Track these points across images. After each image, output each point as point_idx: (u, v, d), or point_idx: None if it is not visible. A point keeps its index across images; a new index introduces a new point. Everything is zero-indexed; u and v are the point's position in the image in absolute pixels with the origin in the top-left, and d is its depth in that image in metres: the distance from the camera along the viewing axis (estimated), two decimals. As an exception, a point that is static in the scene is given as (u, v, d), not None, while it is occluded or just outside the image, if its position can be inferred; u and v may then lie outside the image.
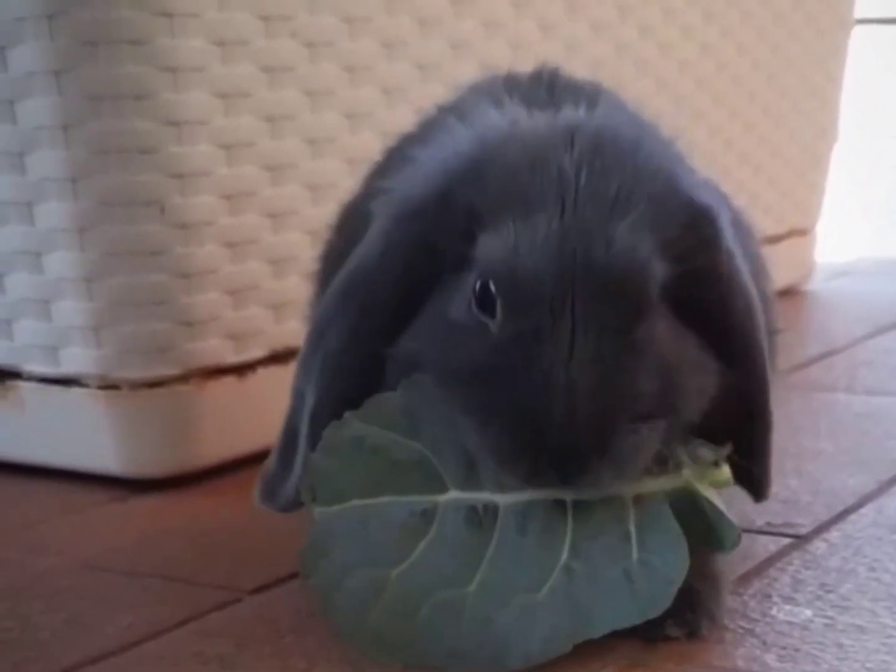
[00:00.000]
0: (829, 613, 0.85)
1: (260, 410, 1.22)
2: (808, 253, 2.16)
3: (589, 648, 0.77)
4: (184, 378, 1.21)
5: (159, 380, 1.20)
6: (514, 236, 0.79)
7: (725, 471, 0.82)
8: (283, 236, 1.26)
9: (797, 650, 0.80)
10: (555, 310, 0.77)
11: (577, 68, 1.01)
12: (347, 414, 0.81)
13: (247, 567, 0.98)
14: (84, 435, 1.22)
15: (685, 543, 0.78)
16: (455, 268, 0.82)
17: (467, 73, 1.35)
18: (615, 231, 0.78)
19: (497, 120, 0.87)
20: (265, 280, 1.25)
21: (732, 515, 0.81)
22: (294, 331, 1.16)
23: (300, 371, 0.88)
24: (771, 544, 0.98)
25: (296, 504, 0.87)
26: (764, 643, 0.81)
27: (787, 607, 0.86)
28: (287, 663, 0.81)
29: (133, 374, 1.19)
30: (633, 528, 0.79)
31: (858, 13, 2.21)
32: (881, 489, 1.11)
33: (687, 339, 0.82)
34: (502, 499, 0.79)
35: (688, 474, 0.80)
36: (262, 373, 1.26)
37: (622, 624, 0.77)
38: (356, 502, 0.80)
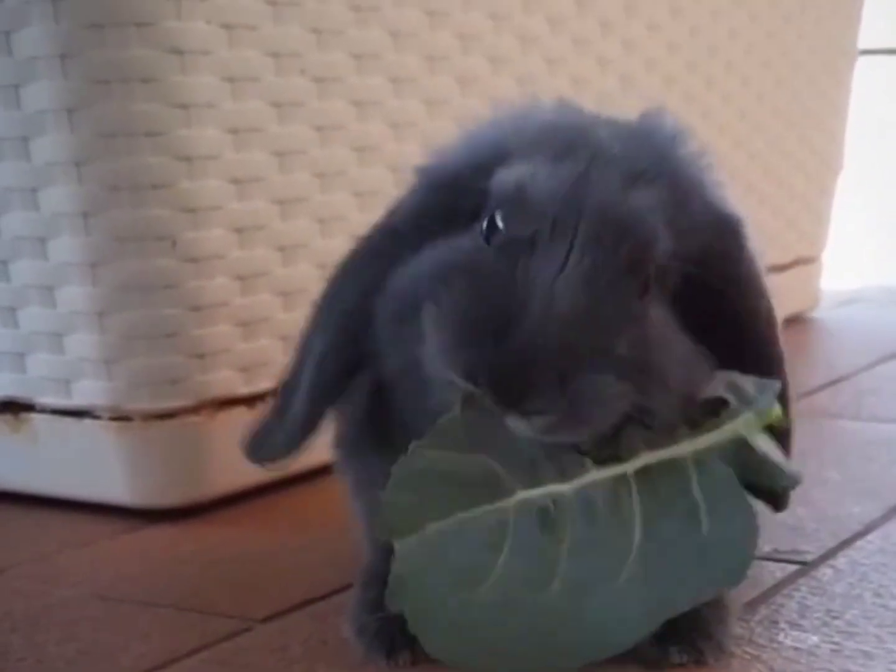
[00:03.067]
0: (836, 639, 0.85)
1: (270, 441, 1.22)
2: (814, 281, 2.17)
3: (596, 674, 0.78)
4: (195, 409, 1.22)
5: (171, 411, 1.21)
6: (533, 169, 0.79)
7: (776, 408, 0.81)
8: (293, 268, 1.27)
9: (804, 676, 0.80)
10: (556, 227, 0.76)
11: (584, 102, 1.02)
12: (413, 445, 0.80)
13: (258, 596, 0.99)
14: (96, 466, 1.23)
15: (753, 509, 0.79)
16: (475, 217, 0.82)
17: (475, 108, 1.38)
18: (635, 193, 0.79)
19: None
20: (275, 312, 1.26)
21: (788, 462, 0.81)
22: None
23: (311, 320, 0.89)
24: (778, 571, 0.98)
25: (284, 454, 0.87)
26: (771, 669, 0.81)
27: (794, 633, 0.86)
28: (298, 691, 0.82)
29: (145, 405, 1.20)
30: (699, 498, 0.78)
31: (862, 44, 2.22)
32: (887, 516, 1.11)
33: (681, 337, 0.81)
34: (567, 487, 0.78)
35: (740, 424, 0.79)
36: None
37: (702, 598, 0.78)
38: (431, 527, 0.78)
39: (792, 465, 0.82)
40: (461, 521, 0.78)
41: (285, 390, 0.89)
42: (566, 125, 0.84)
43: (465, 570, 0.78)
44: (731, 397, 0.80)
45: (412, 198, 0.87)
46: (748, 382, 0.82)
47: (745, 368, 0.84)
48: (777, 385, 0.82)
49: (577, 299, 0.75)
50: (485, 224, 0.80)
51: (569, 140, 0.81)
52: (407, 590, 0.79)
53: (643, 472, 0.79)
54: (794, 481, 0.81)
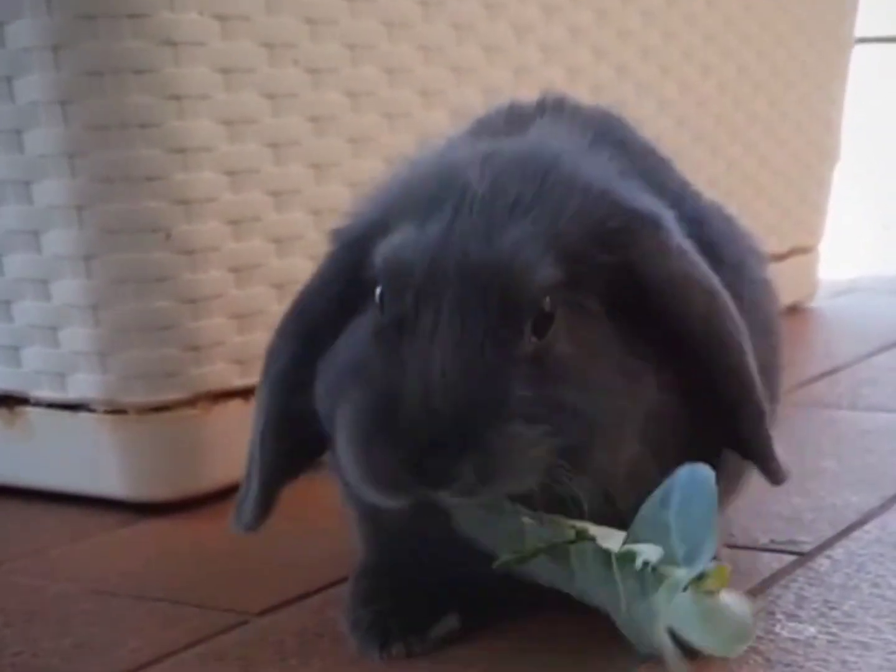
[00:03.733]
0: (833, 630, 0.85)
1: (266, 434, 1.22)
2: (811, 271, 2.16)
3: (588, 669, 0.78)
4: (190, 402, 1.21)
5: (166, 404, 1.20)
6: (402, 236, 0.79)
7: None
8: (287, 260, 1.27)
9: (801, 667, 0.80)
10: (421, 297, 0.76)
11: (579, 93, 1.02)
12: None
13: (253, 590, 0.99)
14: (91, 460, 1.23)
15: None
16: None
17: (470, 98, 1.37)
18: (502, 232, 0.77)
19: (439, 149, 0.88)
20: (270, 304, 1.26)
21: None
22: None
23: (256, 395, 0.90)
24: (774, 562, 0.98)
25: (252, 528, 0.89)
26: (768, 660, 0.81)
27: (791, 624, 0.86)
28: (294, 685, 0.82)
29: (140, 398, 1.20)
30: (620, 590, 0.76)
31: (859, 32, 2.22)
32: (884, 506, 1.11)
33: (605, 360, 0.78)
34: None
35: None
36: (268, 396, 1.27)
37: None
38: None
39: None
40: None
41: (249, 460, 0.91)
42: (434, 175, 0.82)
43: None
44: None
45: (329, 264, 0.87)
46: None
47: (691, 362, 0.81)
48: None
49: (453, 367, 0.73)
50: (377, 307, 0.80)
51: (436, 193, 0.80)
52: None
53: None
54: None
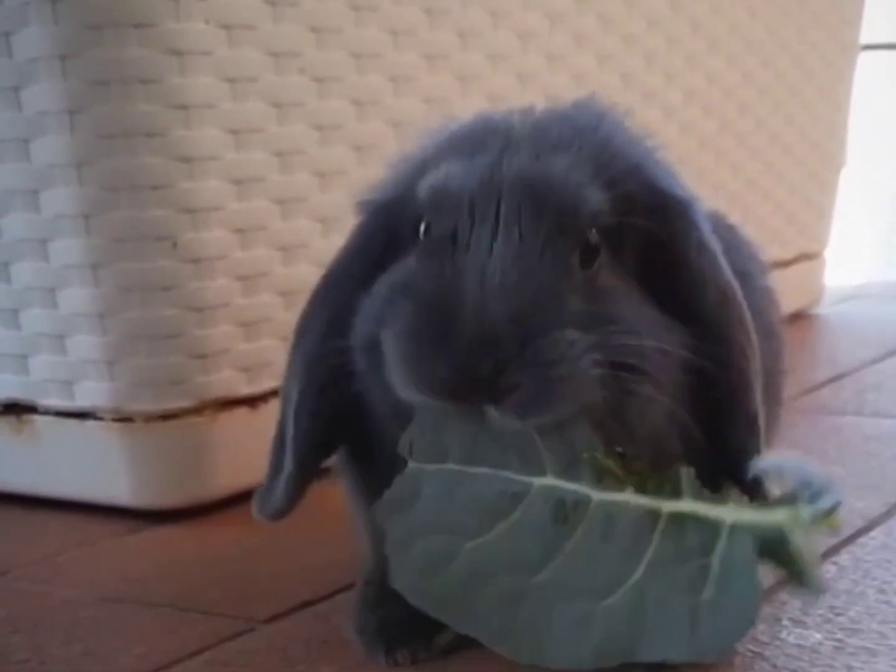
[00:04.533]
0: (839, 636, 0.85)
1: (272, 441, 1.22)
2: (816, 277, 2.17)
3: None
4: (197, 410, 1.22)
5: (173, 412, 1.21)
6: (448, 169, 0.80)
7: (831, 517, 0.77)
8: (293, 269, 1.27)
9: (806, 673, 0.80)
10: (476, 213, 0.76)
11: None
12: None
13: (259, 597, 0.99)
14: (99, 467, 1.23)
15: (759, 598, 0.76)
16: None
17: (474, 105, 1.38)
18: (550, 160, 0.78)
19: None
20: (276, 312, 1.26)
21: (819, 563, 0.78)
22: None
23: (286, 373, 0.89)
24: (780, 568, 0.98)
25: (283, 512, 0.87)
26: (774, 666, 0.81)
27: (797, 630, 0.86)
28: (300, 691, 0.82)
29: (147, 406, 1.20)
30: (716, 562, 0.76)
31: (865, 39, 2.22)
32: (890, 512, 1.11)
33: (643, 304, 0.79)
34: (597, 495, 0.77)
35: (789, 517, 0.76)
36: (274, 404, 1.25)
37: (672, 657, 0.76)
38: (452, 466, 0.78)
39: (822, 574, 0.78)
40: (482, 474, 0.77)
41: (276, 445, 0.90)
42: (478, 126, 0.84)
43: (462, 518, 0.78)
44: (799, 491, 0.77)
45: (358, 232, 0.88)
46: (817, 477, 0.78)
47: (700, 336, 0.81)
48: (840, 496, 0.77)
49: (510, 275, 0.74)
50: (422, 234, 0.80)
51: (479, 137, 0.81)
52: (398, 512, 0.78)
53: (676, 518, 0.77)
54: (817, 589, 0.78)
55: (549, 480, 0.78)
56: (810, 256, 2.12)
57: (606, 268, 0.79)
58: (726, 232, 0.97)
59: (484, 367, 0.71)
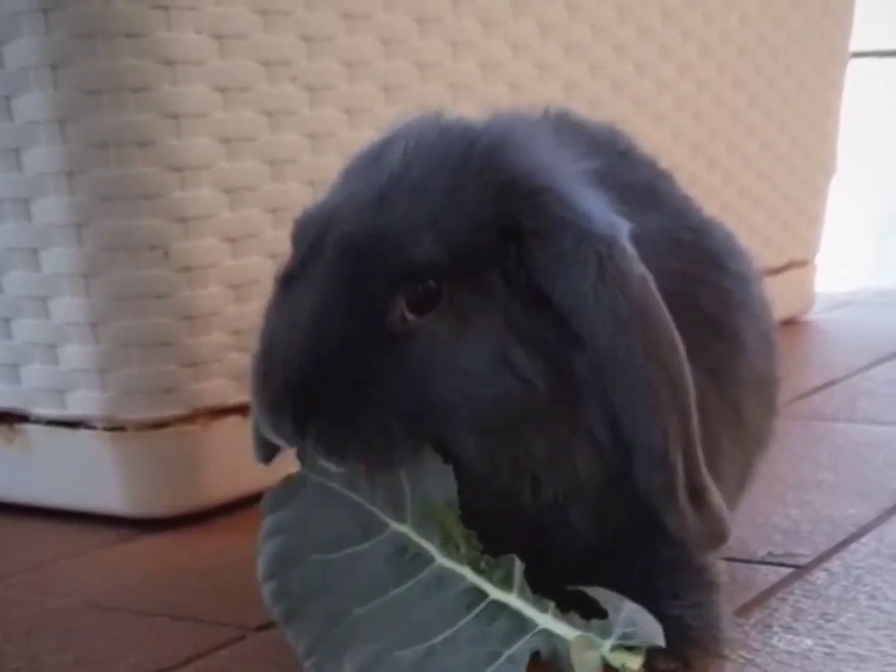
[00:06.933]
0: (830, 643, 0.85)
1: (265, 449, 1.22)
2: (807, 284, 2.17)
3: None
4: (189, 418, 1.22)
5: (165, 420, 1.21)
6: (318, 199, 0.84)
7: (636, 659, 0.77)
8: (285, 277, 1.27)
9: (797, 679, 0.80)
10: (312, 255, 0.80)
11: (576, 106, 1.03)
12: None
13: (252, 605, 0.98)
14: (91, 476, 1.23)
15: None
16: None
17: (466, 114, 1.38)
18: (391, 207, 0.78)
19: None
20: (268, 320, 1.26)
21: None
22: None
23: None
24: (771, 574, 0.98)
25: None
26: (765, 672, 0.81)
27: (788, 637, 0.86)
28: (292, 699, 0.82)
29: (139, 415, 1.20)
30: (504, 656, 0.76)
31: (857, 46, 2.23)
32: (881, 518, 1.11)
33: (490, 339, 0.76)
34: (441, 559, 0.79)
35: (585, 638, 0.76)
36: (267, 412, 1.27)
37: None
38: (333, 485, 0.81)
39: None
40: (356, 502, 0.81)
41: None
42: (375, 148, 0.85)
43: (317, 533, 0.81)
44: (618, 620, 0.77)
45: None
46: (644, 621, 0.77)
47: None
48: (657, 642, 0.76)
49: (307, 328, 0.77)
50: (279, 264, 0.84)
51: (364, 164, 0.84)
52: (272, 509, 0.83)
53: (497, 605, 0.78)
54: None
55: (404, 528, 0.80)
56: (801, 264, 2.13)
57: (450, 308, 0.76)
58: (725, 237, 0.97)
59: (286, 417, 0.77)
